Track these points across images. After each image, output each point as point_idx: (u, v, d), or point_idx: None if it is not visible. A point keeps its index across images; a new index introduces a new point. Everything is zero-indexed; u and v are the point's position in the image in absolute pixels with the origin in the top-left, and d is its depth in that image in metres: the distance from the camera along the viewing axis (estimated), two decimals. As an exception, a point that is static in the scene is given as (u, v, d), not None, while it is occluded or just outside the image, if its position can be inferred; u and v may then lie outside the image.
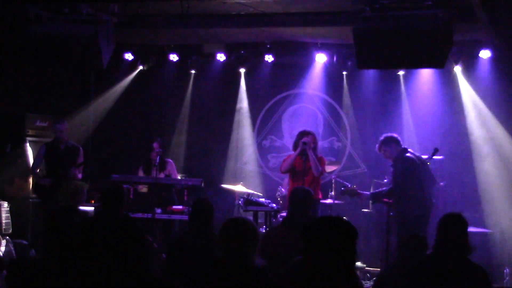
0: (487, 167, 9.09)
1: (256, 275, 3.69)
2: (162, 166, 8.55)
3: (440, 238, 4.27)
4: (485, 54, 9.04)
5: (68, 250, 4.93)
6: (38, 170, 8.40)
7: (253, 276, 3.67)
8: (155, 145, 8.58)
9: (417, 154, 7.79)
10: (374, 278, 8.64)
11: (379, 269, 8.49)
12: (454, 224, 4.27)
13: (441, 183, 8.50)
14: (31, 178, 8.81)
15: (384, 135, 7.92)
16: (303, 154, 7.82)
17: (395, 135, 7.88)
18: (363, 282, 8.49)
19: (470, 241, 4.27)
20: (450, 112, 9.54)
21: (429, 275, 4.16)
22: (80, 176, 8.41)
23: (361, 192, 8.06)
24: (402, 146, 7.77)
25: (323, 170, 8.03)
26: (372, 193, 8.09)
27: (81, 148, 8.59)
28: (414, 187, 7.45)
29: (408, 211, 7.41)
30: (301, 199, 5.77)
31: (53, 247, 5.65)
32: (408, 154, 7.66)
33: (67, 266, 4.38)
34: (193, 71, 10.51)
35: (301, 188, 6.23)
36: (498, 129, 9.18)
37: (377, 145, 7.92)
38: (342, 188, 8.13)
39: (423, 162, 7.60)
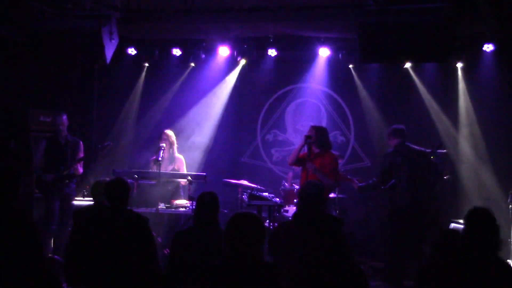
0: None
1: (265, 271, 3.67)
2: (172, 159, 8.56)
3: (469, 233, 4.14)
4: (489, 47, 9.01)
5: (94, 246, 4.93)
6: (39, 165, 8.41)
7: (262, 272, 3.64)
8: (164, 136, 8.59)
9: (417, 147, 7.81)
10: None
11: (383, 263, 8.49)
12: (484, 219, 4.17)
13: (445, 177, 8.51)
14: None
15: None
16: (308, 149, 7.69)
17: (396, 126, 7.95)
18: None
19: (500, 236, 4.16)
20: (457, 106, 9.55)
21: (459, 271, 4.07)
22: (81, 170, 8.42)
23: (352, 178, 8.11)
24: (400, 139, 7.83)
25: (335, 175, 7.62)
26: (360, 186, 8.09)
27: (81, 142, 8.58)
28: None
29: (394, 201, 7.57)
30: (311, 194, 5.53)
31: (82, 243, 5.61)
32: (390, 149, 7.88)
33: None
34: (192, 64, 10.45)
35: (312, 182, 6.03)
36: (495, 124, 9.25)
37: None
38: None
39: (424, 155, 7.63)
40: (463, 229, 4.22)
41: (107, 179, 6.51)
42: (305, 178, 7.46)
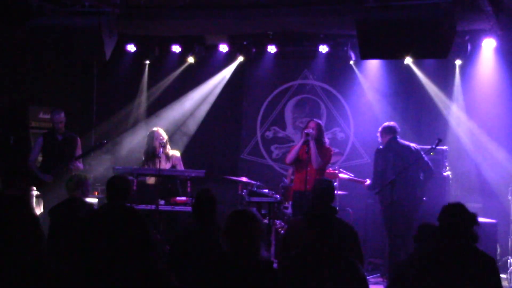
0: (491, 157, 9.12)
1: (263, 268, 3.66)
2: (167, 156, 8.54)
3: (445, 228, 4.19)
4: (488, 43, 8.98)
5: (73, 242, 4.94)
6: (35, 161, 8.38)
7: (260, 268, 3.64)
8: (155, 134, 8.58)
9: (406, 143, 7.89)
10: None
11: (382, 260, 8.49)
12: (458, 213, 4.22)
13: (444, 173, 8.50)
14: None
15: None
16: (306, 145, 7.70)
17: (386, 124, 8.07)
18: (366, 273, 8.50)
19: (475, 230, 4.20)
20: (456, 101, 9.54)
21: (437, 266, 4.09)
22: (81, 166, 8.40)
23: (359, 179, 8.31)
24: (391, 136, 7.93)
25: (326, 162, 7.84)
26: (367, 185, 8.33)
27: (78, 138, 8.55)
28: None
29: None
30: (323, 190, 5.59)
31: (58, 239, 5.67)
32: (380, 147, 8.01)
33: (71, 258, 4.36)
34: (191, 60, 10.37)
35: (324, 179, 6.05)
36: (495, 120, 9.24)
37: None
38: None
39: (415, 151, 7.73)
40: (439, 224, 4.24)
41: (82, 174, 6.58)
42: (304, 177, 7.42)
